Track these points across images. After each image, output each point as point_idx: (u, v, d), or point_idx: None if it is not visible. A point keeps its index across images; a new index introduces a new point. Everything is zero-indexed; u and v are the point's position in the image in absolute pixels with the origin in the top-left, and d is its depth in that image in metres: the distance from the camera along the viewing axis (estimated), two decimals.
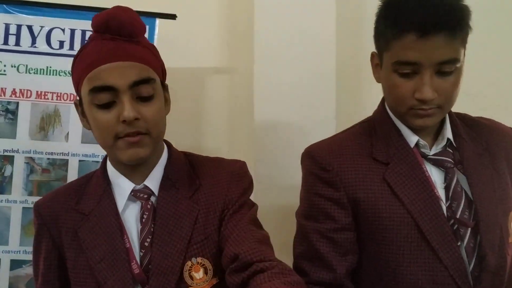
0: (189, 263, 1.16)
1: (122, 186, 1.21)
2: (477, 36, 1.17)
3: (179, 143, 1.31)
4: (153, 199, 1.20)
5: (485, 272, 1.12)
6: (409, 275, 1.14)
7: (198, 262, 1.17)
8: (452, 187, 1.16)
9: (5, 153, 1.69)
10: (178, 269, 1.15)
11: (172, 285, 1.13)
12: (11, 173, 1.68)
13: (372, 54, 1.23)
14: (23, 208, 1.67)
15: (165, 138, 1.25)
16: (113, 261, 1.15)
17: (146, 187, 1.20)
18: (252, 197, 1.30)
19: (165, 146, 1.27)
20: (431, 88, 1.09)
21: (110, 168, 1.23)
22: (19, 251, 1.66)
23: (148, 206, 1.19)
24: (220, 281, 1.19)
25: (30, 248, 1.28)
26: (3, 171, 1.68)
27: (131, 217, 1.20)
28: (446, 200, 1.16)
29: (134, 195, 1.20)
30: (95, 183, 1.24)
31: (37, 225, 1.25)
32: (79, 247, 1.19)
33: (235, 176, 1.26)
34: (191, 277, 1.16)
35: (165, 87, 1.22)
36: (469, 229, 1.14)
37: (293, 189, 1.32)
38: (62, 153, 1.71)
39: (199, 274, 1.17)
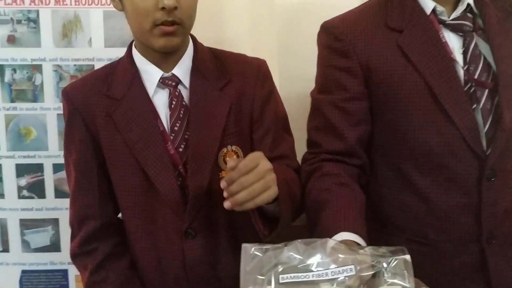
0: (224, 149, 1.24)
1: (151, 73, 1.24)
2: None
3: (202, 36, 1.33)
4: (180, 87, 1.25)
5: (500, 132, 1.10)
6: (421, 139, 1.14)
7: (232, 150, 1.24)
8: (470, 50, 1.13)
9: (33, 62, 1.71)
10: (214, 154, 1.22)
11: (208, 168, 1.21)
12: (42, 82, 1.72)
13: None
14: (57, 114, 1.72)
15: None
16: (150, 141, 1.21)
17: (174, 75, 1.24)
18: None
19: (190, 38, 1.29)
20: None
21: (137, 55, 1.26)
22: (59, 155, 1.71)
23: (176, 93, 1.23)
24: None
25: None
26: (33, 80, 1.72)
27: (160, 102, 1.24)
28: (464, 64, 1.13)
29: (163, 82, 1.24)
30: (122, 70, 1.27)
31: (68, 111, 1.27)
32: (114, 128, 1.23)
33: (261, 76, 1.29)
34: (225, 163, 1.23)
35: None
36: (487, 90, 1.12)
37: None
38: (88, 58, 1.72)
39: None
